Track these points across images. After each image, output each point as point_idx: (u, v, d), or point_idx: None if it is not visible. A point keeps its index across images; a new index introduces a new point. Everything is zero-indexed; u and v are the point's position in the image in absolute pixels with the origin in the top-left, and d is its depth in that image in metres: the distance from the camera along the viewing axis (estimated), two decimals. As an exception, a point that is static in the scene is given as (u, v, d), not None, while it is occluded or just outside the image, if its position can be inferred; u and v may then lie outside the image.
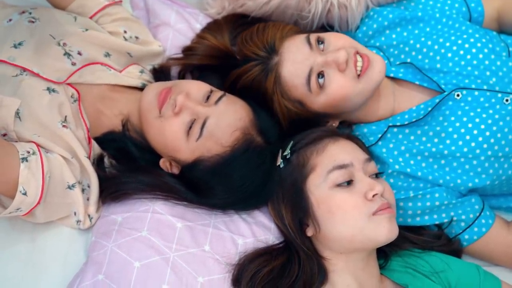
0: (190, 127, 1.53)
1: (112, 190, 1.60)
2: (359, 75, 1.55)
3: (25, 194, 1.44)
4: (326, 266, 1.48)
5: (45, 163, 1.48)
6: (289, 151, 1.54)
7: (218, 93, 1.58)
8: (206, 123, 1.52)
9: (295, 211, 1.51)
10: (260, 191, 1.59)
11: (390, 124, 1.66)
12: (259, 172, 1.57)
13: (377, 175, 1.51)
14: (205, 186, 1.58)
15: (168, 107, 1.55)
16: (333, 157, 1.48)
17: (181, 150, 1.56)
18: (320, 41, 1.58)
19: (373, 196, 1.42)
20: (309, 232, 1.49)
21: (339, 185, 1.45)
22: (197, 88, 1.58)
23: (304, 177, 1.49)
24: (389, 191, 1.49)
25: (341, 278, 1.47)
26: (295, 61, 1.57)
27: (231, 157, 1.54)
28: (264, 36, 1.61)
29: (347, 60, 1.54)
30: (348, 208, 1.43)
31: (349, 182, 1.45)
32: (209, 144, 1.54)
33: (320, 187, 1.46)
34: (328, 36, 1.60)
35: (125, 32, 1.78)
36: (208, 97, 1.56)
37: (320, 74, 1.55)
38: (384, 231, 1.41)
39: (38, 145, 1.51)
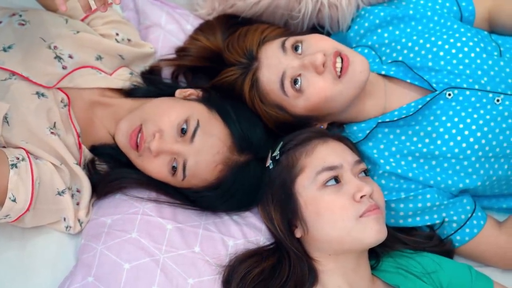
0: (173, 167, 1.53)
1: (109, 179, 1.60)
2: (339, 76, 1.54)
3: (14, 200, 1.43)
4: (316, 267, 1.48)
5: (34, 170, 1.47)
6: (278, 152, 1.53)
7: (192, 122, 1.53)
8: (186, 165, 1.52)
9: (284, 212, 1.50)
10: (251, 194, 1.59)
11: (380, 121, 1.64)
12: (250, 180, 1.58)
13: (365, 172, 1.50)
14: (197, 196, 1.59)
15: (145, 150, 1.54)
16: (322, 159, 1.47)
17: (170, 183, 1.58)
18: (297, 45, 1.57)
19: (361, 197, 1.41)
20: (298, 234, 1.48)
21: (327, 186, 1.44)
22: (169, 121, 1.54)
23: (292, 178, 1.48)
24: (378, 192, 1.48)
25: (331, 279, 1.46)
26: (270, 66, 1.57)
27: (219, 185, 1.56)
28: (244, 42, 1.62)
29: (325, 62, 1.52)
30: (336, 210, 1.42)
31: (337, 181, 1.44)
32: (195, 181, 1.56)
33: (309, 189, 1.45)
34: (308, 38, 1.59)
35: (117, 34, 1.77)
36: (182, 129, 1.53)
37: (296, 79, 1.54)
38: (372, 232, 1.40)
39: (27, 151, 1.50)
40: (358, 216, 1.40)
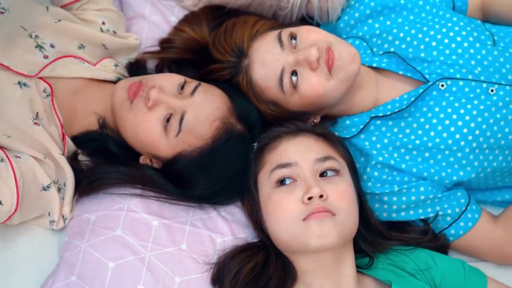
0: (168, 121, 1.49)
1: (90, 180, 1.55)
2: (330, 72, 1.51)
3: (0, 203, 1.40)
4: (295, 264, 1.43)
5: (16, 169, 1.44)
6: (256, 144, 1.53)
7: (192, 83, 1.54)
8: (184, 117, 1.49)
9: (254, 208, 1.49)
10: (241, 179, 1.55)
11: (373, 115, 1.62)
12: (241, 160, 1.54)
13: (335, 171, 1.43)
14: (186, 178, 1.54)
15: (141, 100, 1.51)
16: (279, 156, 1.44)
17: (160, 147, 1.53)
18: (292, 37, 1.54)
19: (309, 199, 1.35)
20: (265, 231, 1.47)
21: (280, 185, 1.40)
22: (170, 80, 1.54)
23: (256, 174, 1.48)
24: (340, 195, 1.39)
25: (312, 278, 1.41)
26: (265, 62, 1.53)
27: (213, 148, 1.52)
28: (232, 37, 1.57)
29: (319, 59, 1.49)
30: (281, 211, 1.38)
31: (290, 182, 1.40)
32: (189, 138, 1.51)
33: (265, 186, 1.44)
34: (300, 30, 1.55)
35: (103, 23, 1.73)
36: (182, 88, 1.53)
37: (294, 72, 1.51)
38: (314, 237, 1.34)
39: (4, 150, 1.46)
40: (302, 219, 1.35)
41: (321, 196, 1.35)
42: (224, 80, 1.59)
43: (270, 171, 1.42)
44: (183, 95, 1.52)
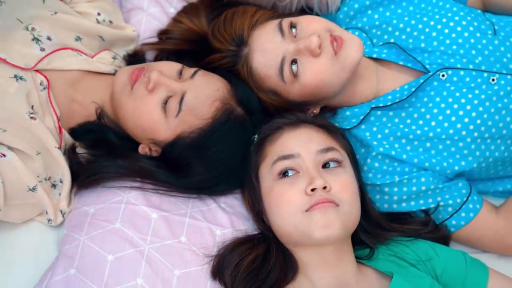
0: (166, 103, 1.50)
1: (89, 174, 1.55)
2: (336, 53, 1.49)
3: None
4: (296, 257, 1.43)
5: None
6: (257, 136, 1.51)
7: (191, 69, 1.56)
8: (184, 98, 1.50)
9: (255, 200, 1.48)
10: (240, 167, 1.54)
11: (373, 106, 1.61)
12: (240, 145, 1.54)
13: (338, 162, 1.42)
14: (184, 162, 1.54)
15: (141, 84, 1.52)
16: (281, 147, 1.43)
17: (160, 129, 1.53)
18: (292, 26, 1.53)
19: (312, 190, 1.34)
20: (266, 222, 1.46)
21: (282, 177, 1.39)
22: (169, 66, 1.56)
23: (257, 166, 1.47)
24: (343, 187, 1.38)
25: (313, 271, 1.40)
26: (266, 51, 1.52)
27: (212, 128, 1.52)
28: (232, 27, 1.57)
29: (321, 44, 1.48)
30: (283, 203, 1.37)
31: (295, 171, 1.39)
32: (190, 119, 1.51)
33: (266, 178, 1.43)
34: (300, 20, 1.55)
35: (98, 14, 1.72)
36: (181, 73, 1.54)
37: (293, 61, 1.50)
38: (317, 228, 1.33)
39: None
40: (305, 210, 1.34)
41: (324, 187, 1.35)
42: (224, 69, 1.59)
43: (272, 163, 1.42)
44: (183, 79, 1.54)
